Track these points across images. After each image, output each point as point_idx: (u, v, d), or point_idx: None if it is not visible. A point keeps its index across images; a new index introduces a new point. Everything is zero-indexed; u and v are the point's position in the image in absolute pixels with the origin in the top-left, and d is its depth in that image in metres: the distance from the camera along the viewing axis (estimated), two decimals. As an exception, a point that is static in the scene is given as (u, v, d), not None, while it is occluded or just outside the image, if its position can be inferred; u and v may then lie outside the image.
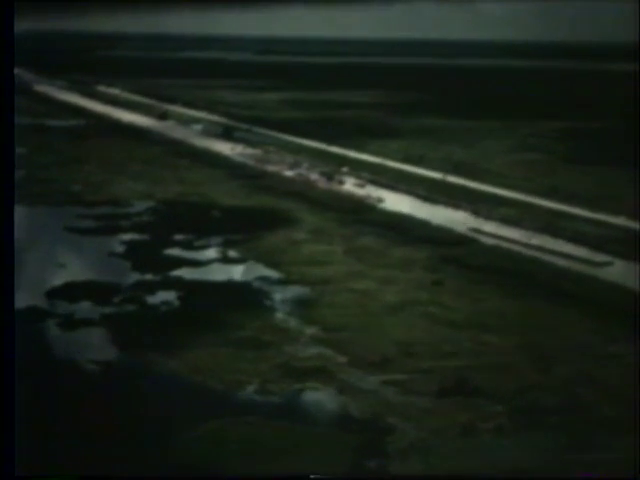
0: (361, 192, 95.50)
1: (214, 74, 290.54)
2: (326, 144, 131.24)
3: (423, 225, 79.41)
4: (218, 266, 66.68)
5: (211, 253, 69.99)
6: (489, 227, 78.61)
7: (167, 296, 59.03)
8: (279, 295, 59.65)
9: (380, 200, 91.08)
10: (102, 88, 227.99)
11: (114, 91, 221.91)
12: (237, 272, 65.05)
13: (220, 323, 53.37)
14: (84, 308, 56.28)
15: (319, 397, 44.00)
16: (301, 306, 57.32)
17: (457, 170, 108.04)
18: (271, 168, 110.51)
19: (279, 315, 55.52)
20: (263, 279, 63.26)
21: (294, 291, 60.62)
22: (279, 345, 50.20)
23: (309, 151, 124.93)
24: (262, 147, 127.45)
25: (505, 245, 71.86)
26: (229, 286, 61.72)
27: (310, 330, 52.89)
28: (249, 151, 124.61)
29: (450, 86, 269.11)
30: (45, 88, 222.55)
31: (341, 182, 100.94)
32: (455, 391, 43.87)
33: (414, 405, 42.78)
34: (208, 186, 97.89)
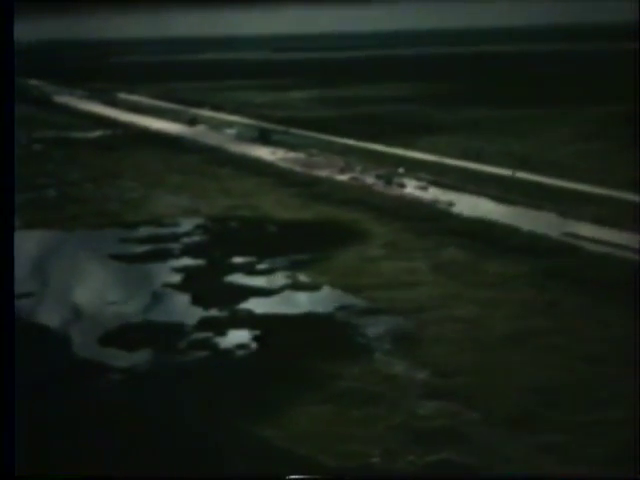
0: (427, 196, 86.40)
1: (234, 75, 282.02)
2: (370, 143, 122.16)
3: (511, 232, 70.20)
4: (291, 295, 57.80)
5: (279, 279, 61.08)
6: (586, 230, 69.25)
7: (241, 337, 50.23)
8: (371, 329, 50.70)
9: (451, 204, 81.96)
10: (123, 95, 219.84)
11: (136, 98, 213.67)
12: (314, 301, 56.16)
13: (311, 371, 44.52)
14: (146, 359, 47.51)
15: (462, 471, 34.97)
16: (401, 343, 48.34)
17: (524, 165, 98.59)
18: (320, 173, 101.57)
19: (378, 356, 46.57)
20: (346, 309, 54.33)
21: (387, 323, 51.67)
22: (390, 399, 41.25)
23: (355, 151, 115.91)
24: (304, 150, 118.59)
25: (618, 253, 62.39)
26: (310, 320, 52.84)
27: (421, 375, 43.92)
28: (291, 155, 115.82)
29: (479, 74, 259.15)
30: (65, 99, 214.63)
31: (402, 185, 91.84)
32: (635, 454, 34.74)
33: None
34: (257, 197, 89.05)
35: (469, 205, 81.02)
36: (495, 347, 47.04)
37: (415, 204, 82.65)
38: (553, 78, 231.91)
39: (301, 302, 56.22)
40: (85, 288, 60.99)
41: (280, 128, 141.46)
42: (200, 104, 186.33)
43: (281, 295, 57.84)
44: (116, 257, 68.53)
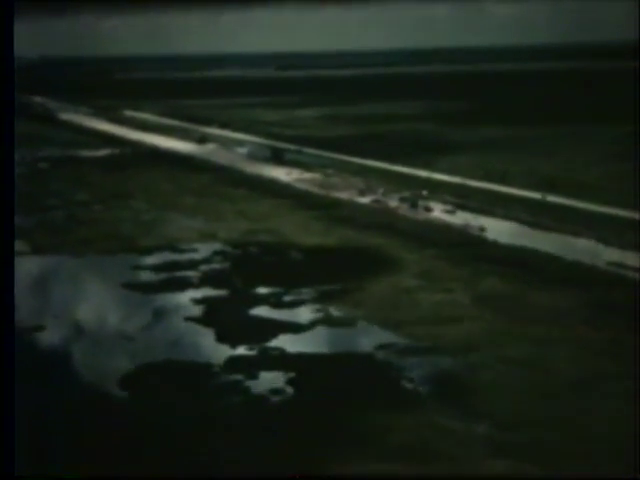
0: (456, 220, 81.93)
1: (240, 92, 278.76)
2: (388, 163, 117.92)
3: (553, 260, 65.72)
4: (324, 331, 53.20)
5: (309, 312, 56.50)
6: (632, 259, 64.71)
7: (274, 380, 45.58)
8: (417, 372, 46.11)
9: (483, 229, 77.52)
10: (129, 112, 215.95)
11: (142, 115, 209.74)
12: (351, 339, 51.56)
13: (358, 422, 39.84)
14: (172, 405, 42.80)
15: None
16: (452, 388, 43.69)
17: (552, 187, 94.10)
18: (340, 195, 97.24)
19: (430, 405, 41.90)
20: (387, 347, 49.74)
21: (433, 364, 47.09)
22: (451, 457, 36.55)
23: (373, 172, 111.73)
24: (320, 170, 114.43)
25: (678, 286, 57.79)
26: (348, 361, 48.23)
27: (481, 428, 39.21)
28: (308, 175, 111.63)
29: (491, 92, 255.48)
30: (71, 116, 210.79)
31: (428, 209, 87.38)
32: None
33: None
34: (276, 220, 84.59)
35: (502, 230, 76.58)
36: (559, 394, 42.39)
37: (445, 229, 78.22)
38: (563, 96, 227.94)
39: (336, 339, 51.62)
40: (98, 320, 56.38)
41: (293, 147, 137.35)
42: (208, 122, 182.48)
43: (314, 332, 53.22)
44: (131, 286, 63.93)
